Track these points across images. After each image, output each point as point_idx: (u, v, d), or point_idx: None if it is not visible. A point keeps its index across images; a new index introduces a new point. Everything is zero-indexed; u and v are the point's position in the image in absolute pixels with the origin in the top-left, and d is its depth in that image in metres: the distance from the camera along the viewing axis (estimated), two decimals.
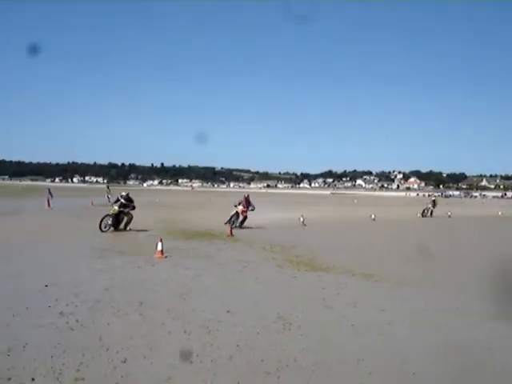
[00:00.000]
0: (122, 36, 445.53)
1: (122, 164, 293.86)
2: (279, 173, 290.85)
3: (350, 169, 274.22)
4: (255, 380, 5.62)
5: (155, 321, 7.91)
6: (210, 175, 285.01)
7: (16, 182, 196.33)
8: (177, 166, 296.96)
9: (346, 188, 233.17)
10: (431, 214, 39.81)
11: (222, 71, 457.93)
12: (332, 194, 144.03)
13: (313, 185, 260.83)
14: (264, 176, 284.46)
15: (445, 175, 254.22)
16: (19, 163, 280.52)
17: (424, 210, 40.01)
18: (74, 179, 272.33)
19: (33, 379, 5.43)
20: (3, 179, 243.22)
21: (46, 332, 7.16)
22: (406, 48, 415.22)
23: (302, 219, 28.26)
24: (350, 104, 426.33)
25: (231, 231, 21.17)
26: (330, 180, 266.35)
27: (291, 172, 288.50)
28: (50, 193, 47.15)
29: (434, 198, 45.51)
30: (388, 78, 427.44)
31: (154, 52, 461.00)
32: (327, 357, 6.41)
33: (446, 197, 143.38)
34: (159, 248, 14.58)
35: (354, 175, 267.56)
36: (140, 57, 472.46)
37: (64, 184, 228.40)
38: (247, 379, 5.63)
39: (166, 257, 14.36)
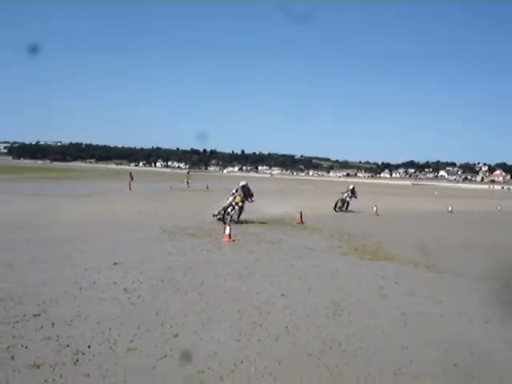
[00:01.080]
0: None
1: (204, 150, 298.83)
2: (359, 162, 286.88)
3: (432, 159, 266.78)
4: (296, 360, 5.82)
5: (211, 300, 8.25)
6: (290, 163, 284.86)
7: (101, 166, 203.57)
8: (257, 153, 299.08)
9: (427, 179, 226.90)
10: None
11: (306, 60, 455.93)
12: (413, 184, 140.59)
13: (394, 175, 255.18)
14: (344, 165, 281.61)
15: None
16: (105, 147, 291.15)
17: None
18: (157, 164, 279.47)
19: (89, 346, 5.87)
20: (90, 162, 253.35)
21: (108, 306, 7.65)
22: None
23: (375, 209, 28.01)
24: (435, 93, 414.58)
25: (301, 218, 21.30)
26: (412, 170, 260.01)
27: (372, 161, 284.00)
28: (131, 176, 48.88)
29: None
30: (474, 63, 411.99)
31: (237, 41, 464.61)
32: (371, 343, 6.51)
33: None
34: (227, 232, 14.98)
35: (436, 166, 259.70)
36: (222, 46, 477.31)
37: (147, 168, 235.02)
38: (289, 359, 5.83)
39: (233, 240, 14.73)
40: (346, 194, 30.16)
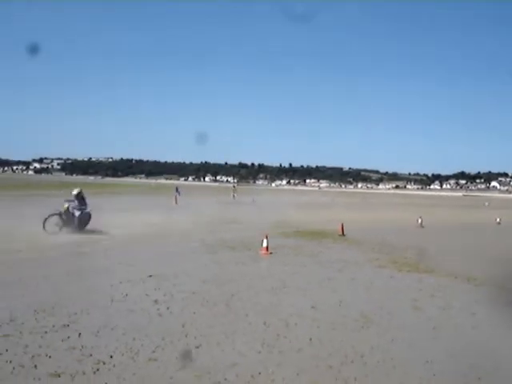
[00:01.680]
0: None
1: (252, 164, 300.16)
2: (409, 173, 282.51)
3: (484, 170, 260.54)
4: (315, 372, 5.78)
5: (239, 312, 8.28)
6: (338, 176, 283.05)
7: (151, 181, 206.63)
8: (305, 166, 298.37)
9: (479, 190, 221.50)
10: None
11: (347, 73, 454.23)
12: (464, 196, 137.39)
13: (444, 186, 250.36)
14: (393, 177, 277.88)
15: None
16: (155, 163, 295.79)
17: None
18: (206, 178, 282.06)
19: (111, 356, 5.97)
20: (140, 178, 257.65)
21: (136, 317, 7.77)
22: None
23: (419, 221, 27.56)
24: (488, 102, 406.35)
25: (343, 231, 21.13)
26: (463, 182, 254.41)
27: (421, 173, 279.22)
28: (177, 191, 49.63)
29: None
30: None
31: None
32: (395, 356, 6.41)
33: None
34: (264, 245, 15.00)
35: (488, 177, 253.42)
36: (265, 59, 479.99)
37: (196, 183, 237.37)
38: (308, 371, 5.80)
39: (270, 253, 14.75)
40: None
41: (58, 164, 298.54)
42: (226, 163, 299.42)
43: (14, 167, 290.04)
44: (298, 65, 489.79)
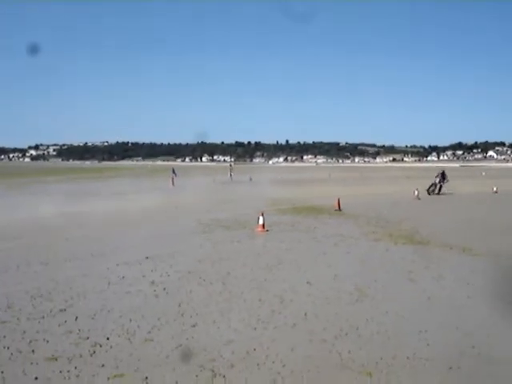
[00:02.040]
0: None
1: (248, 142, 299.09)
2: (406, 146, 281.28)
3: (481, 140, 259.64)
4: (309, 347, 5.86)
5: (235, 290, 8.36)
6: (335, 151, 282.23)
7: (148, 163, 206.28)
8: (301, 142, 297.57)
9: (476, 160, 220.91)
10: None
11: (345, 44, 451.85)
12: (461, 166, 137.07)
13: (441, 158, 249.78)
14: (390, 150, 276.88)
15: None
16: (152, 145, 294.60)
17: None
18: (203, 158, 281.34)
19: (107, 338, 6.05)
20: (137, 160, 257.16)
21: (133, 298, 7.86)
22: None
23: (416, 193, 27.58)
24: (481, 71, 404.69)
25: (339, 205, 21.16)
26: (460, 152, 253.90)
27: (418, 145, 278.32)
28: (173, 172, 49.35)
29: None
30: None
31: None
32: (389, 328, 6.48)
33: None
34: (260, 222, 15.05)
35: (485, 146, 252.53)
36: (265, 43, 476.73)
37: (193, 163, 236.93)
38: (302, 346, 5.87)
39: (267, 231, 14.81)
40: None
41: (54, 150, 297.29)
42: (223, 142, 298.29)
43: (11, 155, 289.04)
44: (293, 41, 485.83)
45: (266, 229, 14.93)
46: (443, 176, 30.88)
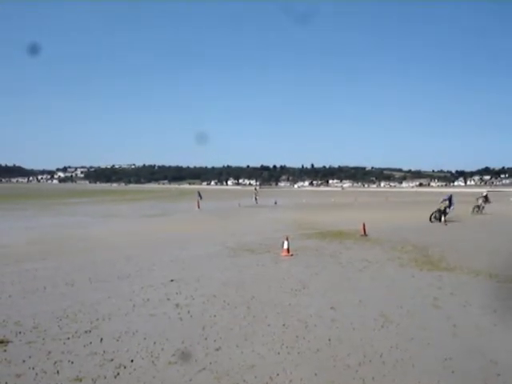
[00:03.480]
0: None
1: (274, 166, 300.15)
2: (432, 171, 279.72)
3: (508, 165, 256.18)
4: (333, 372, 5.82)
5: (259, 314, 8.35)
6: (361, 175, 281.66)
7: (174, 186, 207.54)
8: (327, 166, 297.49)
9: (503, 185, 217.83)
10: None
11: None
12: (488, 191, 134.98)
13: (468, 182, 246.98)
14: (416, 174, 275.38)
15: None
16: (178, 168, 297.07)
17: None
18: (229, 182, 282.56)
19: (132, 360, 6.10)
20: (163, 183, 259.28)
21: (158, 321, 7.90)
22: None
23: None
24: (509, 97, 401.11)
25: (364, 230, 21.06)
26: (487, 177, 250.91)
27: (445, 170, 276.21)
28: (199, 195, 49.75)
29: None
30: None
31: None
32: (414, 355, 6.42)
33: None
34: (285, 247, 15.06)
35: None
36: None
37: (219, 187, 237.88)
38: (326, 371, 5.84)
39: (291, 255, 14.78)
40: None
41: (82, 172, 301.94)
42: (248, 166, 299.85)
43: (39, 176, 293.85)
44: (316, 65, 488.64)
45: (290, 253, 14.92)
46: (450, 201, 30.00)
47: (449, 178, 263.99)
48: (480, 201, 36.21)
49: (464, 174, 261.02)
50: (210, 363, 6.08)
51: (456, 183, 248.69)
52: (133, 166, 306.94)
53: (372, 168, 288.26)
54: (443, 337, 7.28)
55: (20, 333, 7.17)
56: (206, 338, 7.03)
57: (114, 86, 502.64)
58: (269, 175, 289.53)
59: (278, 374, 5.72)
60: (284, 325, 7.74)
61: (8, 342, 6.76)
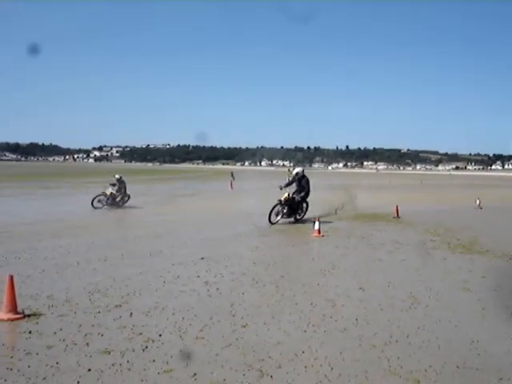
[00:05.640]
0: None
1: (308, 147, 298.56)
2: (470, 154, 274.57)
3: None
4: (358, 351, 5.83)
5: (287, 293, 8.41)
6: (396, 157, 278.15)
7: (208, 166, 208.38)
8: (362, 148, 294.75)
9: None
10: None
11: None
12: None
13: (506, 166, 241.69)
14: (453, 157, 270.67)
15: None
16: (212, 148, 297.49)
17: None
18: (263, 163, 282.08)
19: (160, 335, 6.20)
20: (198, 163, 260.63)
21: (187, 298, 8.01)
22: None
23: (477, 202, 26.91)
24: None
25: (397, 213, 20.87)
26: None
27: (483, 153, 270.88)
28: (232, 176, 50.03)
29: None
30: None
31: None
32: (441, 336, 6.37)
33: None
34: (316, 227, 15.05)
35: None
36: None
37: (252, 167, 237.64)
38: (351, 350, 5.86)
39: (322, 236, 14.78)
40: None
41: (117, 152, 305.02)
42: (282, 147, 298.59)
43: (75, 155, 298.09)
44: (352, 48, 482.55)
45: (321, 234, 14.91)
46: None
47: (486, 161, 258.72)
48: None
49: (502, 158, 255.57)
50: (237, 339, 6.14)
51: (493, 167, 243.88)
52: (167, 146, 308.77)
53: (408, 150, 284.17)
54: (471, 319, 7.23)
55: (52, 306, 7.35)
56: (233, 315, 7.10)
57: (149, 64, 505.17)
58: (303, 157, 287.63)
59: (303, 352, 5.76)
60: (311, 304, 7.77)
61: (40, 314, 6.94)
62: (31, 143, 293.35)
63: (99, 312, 7.10)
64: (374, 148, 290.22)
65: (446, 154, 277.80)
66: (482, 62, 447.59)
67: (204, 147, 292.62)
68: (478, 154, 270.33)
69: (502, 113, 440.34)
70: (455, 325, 6.90)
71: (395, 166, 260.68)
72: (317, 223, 15.16)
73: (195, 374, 5.11)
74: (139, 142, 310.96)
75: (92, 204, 21.96)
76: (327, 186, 41.48)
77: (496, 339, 6.36)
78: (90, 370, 5.16)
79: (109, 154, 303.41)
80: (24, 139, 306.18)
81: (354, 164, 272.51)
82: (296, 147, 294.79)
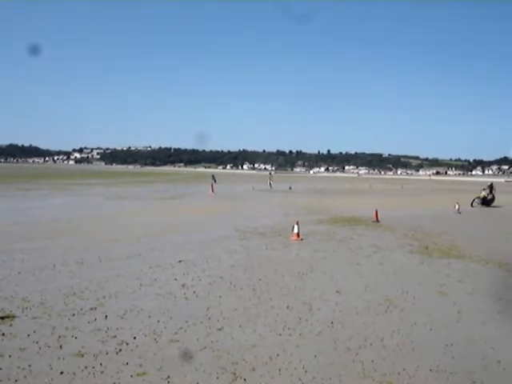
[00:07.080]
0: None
1: (290, 151, 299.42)
2: (450, 159, 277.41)
3: None
4: (333, 355, 5.84)
5: (264, 296, 8.41)
6: (377, 162, 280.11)
7: (189, 169, 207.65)
8: (343, 152, 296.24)
9: None
10: None
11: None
12: (506, 182, 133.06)
13: (486, 172, 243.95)
14: (433, 163, 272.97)
15: None
16: (194, 151, 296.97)
17: None
18: (244, 166, 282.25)
19: (134, 338, 6.17)
20: (179, 166, 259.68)
21: (163, 300, 7.98)
22: None
23: (456, 206, 27.14)
24: None
25: (377, 217, 21.00)
26: (506, 167, 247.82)
27: (463, 158, 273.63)
28: (213, 179, 49.97)
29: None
30: None
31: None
32: (415, 339, 6.42)
33: None
34: (295, 231, 15.06)
35: None
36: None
37: (234, 171, 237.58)
38: (325, 353, 5.87)
39: (301, 239, 14.80)
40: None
41: (98, 154, 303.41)
42: (264, 151, 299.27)
43: (55, 157, 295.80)
44: (339, 51, 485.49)
45: (300, 237, 14.93)
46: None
47: (466, 166, 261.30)
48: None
49: (482, 164, 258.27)
50: (212, 342, 6.13)
51: (474, 172, 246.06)
52: (149, 149, 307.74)
53: (389, 155, 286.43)
54: (446, 323, 7.27)
55: (26, 308, 7.29)
56: (209, 318, 7.09)
57: (132, 66, 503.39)
58: (284, 160, 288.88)
59: (277, 355, 5.76)
60: (288, 307, 7.78)
61: (14, 316, 6.87)
62: (10, 144, 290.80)
63: (74, 315, 7.04)
64: (356, 152, 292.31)
65: (426, 159, 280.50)
66: (466, 66, 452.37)
67: (185, 150, 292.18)
68: (459, 160, 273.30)
69: (483, 119, 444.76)
70: (430, 328, 6.95)
71: (376, 170, 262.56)
72: (296, 227, 15.17)
73: (168, 377, 5.09)
74: (120, 144, 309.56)
75: None
76: (309, 191, 41.56)
77: (470, 342, 6.42)
78: (62, 372, 5.11)
79: (89, 155, 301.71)
80: (3, 140, 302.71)
81: (335, 168, 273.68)
82: (278, 151, 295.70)
